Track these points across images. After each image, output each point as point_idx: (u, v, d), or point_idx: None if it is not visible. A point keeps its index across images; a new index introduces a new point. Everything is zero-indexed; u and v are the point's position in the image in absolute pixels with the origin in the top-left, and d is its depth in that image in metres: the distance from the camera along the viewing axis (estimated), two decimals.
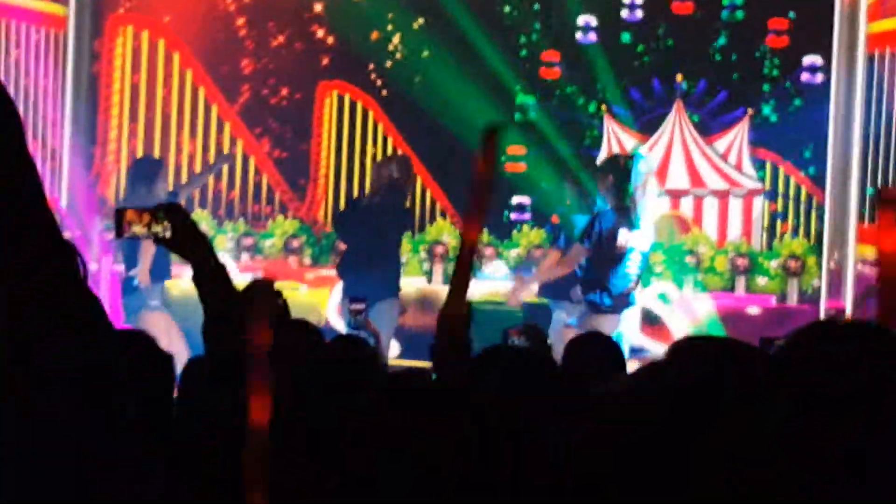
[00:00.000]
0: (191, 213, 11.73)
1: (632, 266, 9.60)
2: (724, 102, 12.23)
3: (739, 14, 12.15)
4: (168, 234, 3.69)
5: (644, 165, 10.10)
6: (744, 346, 2.28)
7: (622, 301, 9.58)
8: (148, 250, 9.88)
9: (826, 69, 11.94)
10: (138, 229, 3.67)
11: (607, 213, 9.55)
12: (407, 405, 2.79)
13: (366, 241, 10.38)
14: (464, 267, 3.43)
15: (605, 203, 9.64)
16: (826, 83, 11.93)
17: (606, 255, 9.49)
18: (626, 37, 12.35)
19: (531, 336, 7.11)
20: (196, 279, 3.72)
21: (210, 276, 3.71)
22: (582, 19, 12.32)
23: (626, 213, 9.50)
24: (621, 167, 9.68)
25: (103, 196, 12.69)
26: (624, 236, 9.51)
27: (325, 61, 12.63)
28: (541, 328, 8.33)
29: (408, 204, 11.71)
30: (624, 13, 12.31)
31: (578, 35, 12.33)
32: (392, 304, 10.55)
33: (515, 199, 12.30)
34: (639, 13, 12.29)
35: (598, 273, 9.56)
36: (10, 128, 1.40)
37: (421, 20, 12.43)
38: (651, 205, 10.14)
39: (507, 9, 12.38)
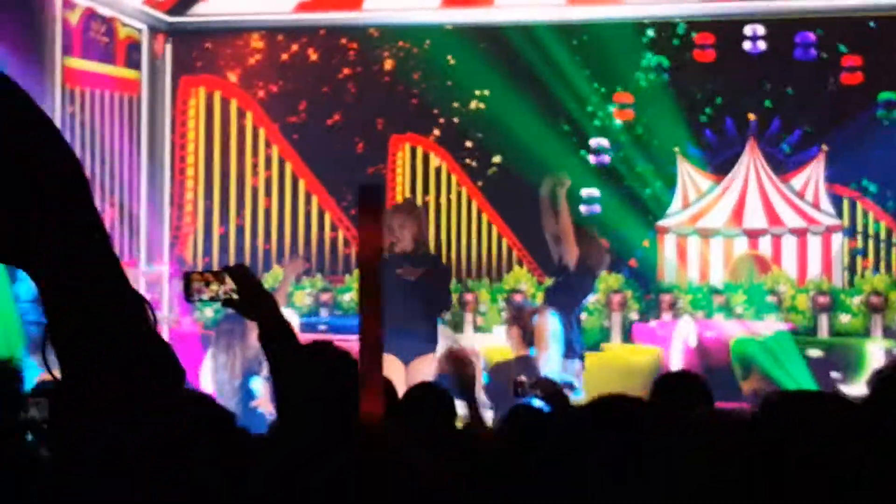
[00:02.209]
0: (269, 269, 11.59)
1: None
2: (798, 140, 12.15)
3: (813, 52, 12.09)
4: (234, 296, 3.72)
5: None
6: (832, 396, 2.31)
7: None
8: None
9: None
10: (204, 292, 3.72)
11: None
12: None
13: (398, 292, 9.64)
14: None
15: None
16: None
17: None
18: (698, 77, 12.28)
19: (545, 388, 6.76)
20: (262, 338, 3.76)
21: (276, 335, 3.74)
22: (655, 59, 12.30)
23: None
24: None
25: (181, 256, 12.72)
26: None
27: (397, 114, 12.63)
28: (553, 380, 8.06)
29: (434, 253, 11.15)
30: (697, 53, 12.27)
31: (652, 75, 12.29)
32: (431, 360, 9.82)
33: None
34: (711, 53, 12.25)
35: None
36: (79, 189, 1.39)
37: (491, 70, 12.36)
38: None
39: (577, 57, 12.34)
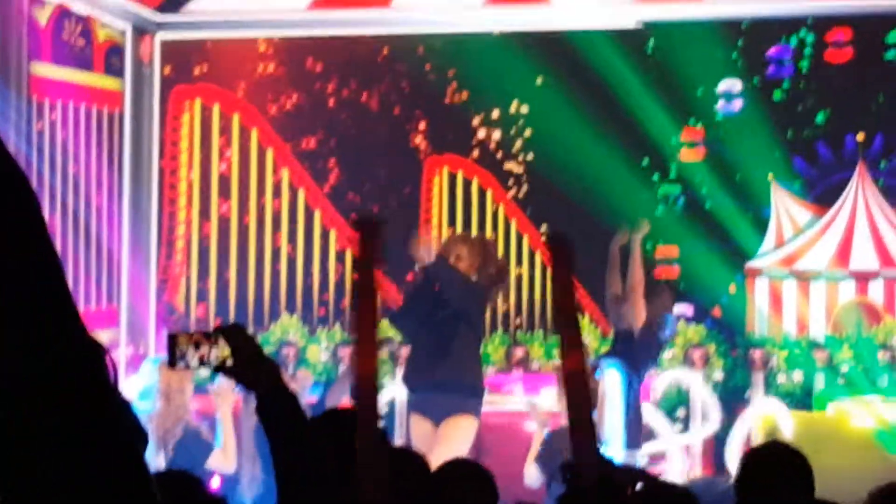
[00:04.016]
0: (276, 318, 10.26)
1: None
2: None
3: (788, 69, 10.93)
4: (228, 362, 3.51)
5: None
6: None
7: None
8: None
9: None
10: (192, 357, 3.49)
11: None
12: None
13: (434, 336, 8.29)
14: (585, 405, 3.34)
15: None
16: None
17: None
18: (778, 95, 10.95)
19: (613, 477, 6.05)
20: (260, 411, 3.58)
21: (275, 407, 3.54)
22: (724, 85, 10.96)
23: None
24: None
25: (171, 303, 11.42)
26: None
27: (434, 132, 11.29)
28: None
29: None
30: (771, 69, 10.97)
31: (720, 104, 10.97)
32: (469, 423, 8.30)
33: (676, 310, 10.38)
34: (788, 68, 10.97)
35: None
36: (24, 215, 1.31)
37: (545, 82, 11.07)
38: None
39: (650, 66, 11.02)
